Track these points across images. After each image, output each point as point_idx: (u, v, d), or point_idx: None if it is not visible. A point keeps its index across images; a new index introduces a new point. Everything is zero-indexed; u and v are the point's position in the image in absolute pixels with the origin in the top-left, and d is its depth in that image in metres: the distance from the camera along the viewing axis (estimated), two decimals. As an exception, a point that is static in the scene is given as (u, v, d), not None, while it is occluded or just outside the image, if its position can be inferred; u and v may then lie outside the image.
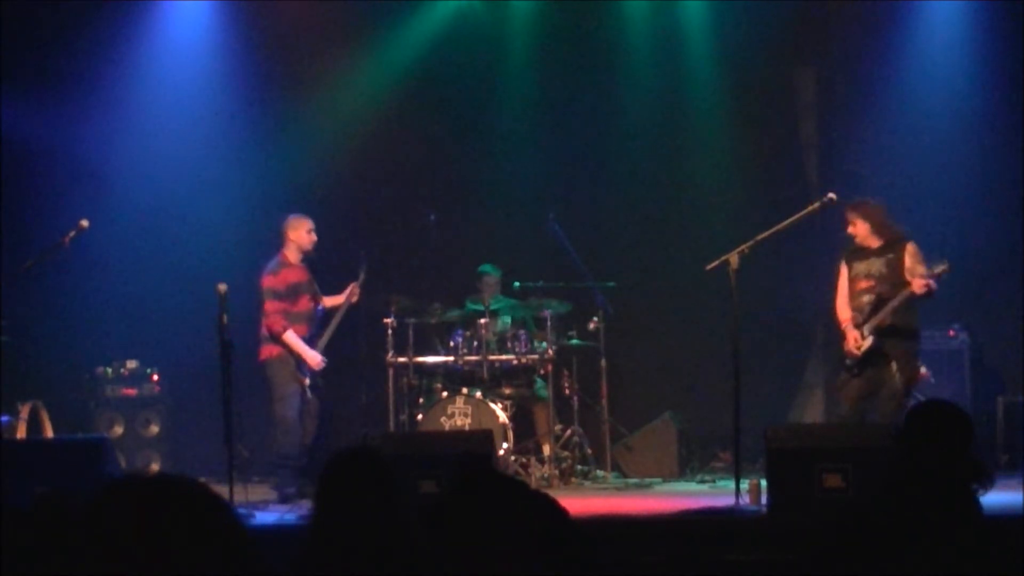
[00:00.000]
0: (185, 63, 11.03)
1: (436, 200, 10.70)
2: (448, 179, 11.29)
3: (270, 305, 8.82)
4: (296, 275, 8.97)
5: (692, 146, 11.21)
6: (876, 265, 8.25)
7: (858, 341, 8.16)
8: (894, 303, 8.11)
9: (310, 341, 8.93)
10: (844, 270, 8.43)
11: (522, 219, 10.77)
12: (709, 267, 8.06)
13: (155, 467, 10.26)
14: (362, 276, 9.36)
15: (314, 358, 8.89)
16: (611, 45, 11.23)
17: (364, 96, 11.21)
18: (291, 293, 8.91)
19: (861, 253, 8.33)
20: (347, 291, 9.27)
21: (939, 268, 8.08)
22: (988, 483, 3.62)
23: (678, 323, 10.90)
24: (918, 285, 8.06)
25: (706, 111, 11.15)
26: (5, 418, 8.58)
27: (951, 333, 10.04)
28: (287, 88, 11.18)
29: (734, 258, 7.90)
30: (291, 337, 8.83)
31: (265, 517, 7.68)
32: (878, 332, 8.14)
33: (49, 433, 8.96)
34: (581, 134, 11.24)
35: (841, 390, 8.44)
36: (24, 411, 8.92)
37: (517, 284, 10.20)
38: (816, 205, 8.19)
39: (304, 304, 8.97)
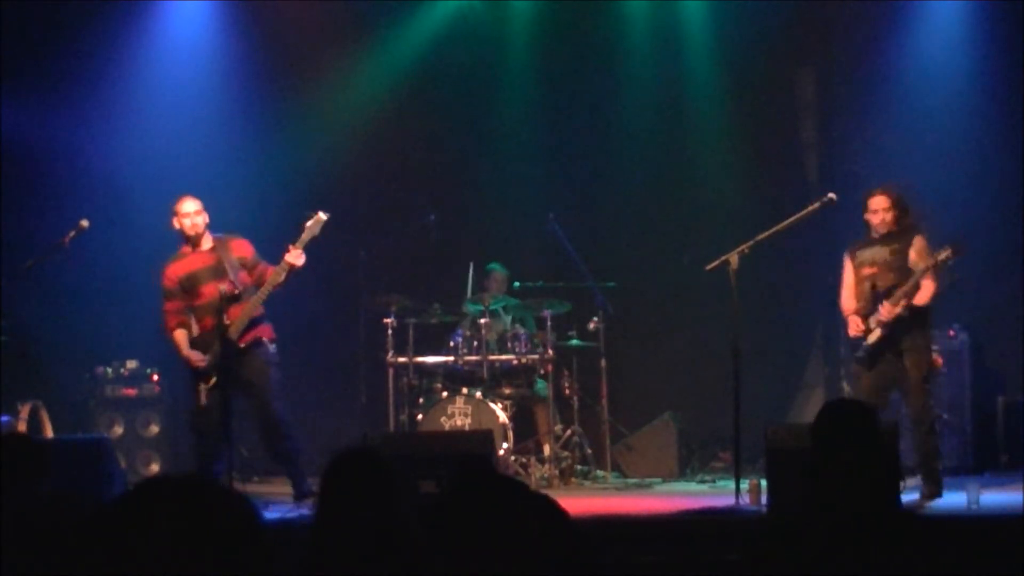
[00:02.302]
0: (185, 63, 11.04)
1: (436, 200, 10.70)
2: (448, 179, 11.30)
3: (163, 304, 8.29)
4: (188, 265, 8.25)
5: (692, 146, 11.21)
6: (881, 253, 8.07)
7: (859, 326, 7.98)
8: (906, 288, 7.88)
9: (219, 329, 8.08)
10: (848, 262, 8.25)
11: (522, 219, 10.78)
12: (709, 267, 8.06)
13: (155, 467, 10.27)
14: (305, 235, 8.10)
15: (191, 358, 8.17)
16: (611, 45, 11.24)
17: (364, 96, 11.22)
18: (185, 287, 8.23)
19: (866, 243, 8.18)
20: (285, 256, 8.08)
21: (941, 255, 7.82)
22: (900, 480, 3.66)
23: (678, 323, 10.90)
24: (921, 299, 7.89)
25: (706, 111, 11.16)
26: (5, 418, 8.57)
27: (951, 333, 10.03)
28: (287, 88, 11.18)
29: (734, 258, 7.89)
30: (176, 337, 8.22)
31: (266, 516, 7.67)
32: (887, 325, 7.96)
33: (49, 433, 8.96)
34: (581, 134, 11.25)
35: (854, 384, 8.30)
36: (24, 411, 8.91)
37: (517, 284, 10.21)
38: (816, 205, 8.17)
39: (207, 293, 8.14)
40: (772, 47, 10.85)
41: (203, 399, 8.12)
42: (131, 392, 10.41)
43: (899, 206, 8.05)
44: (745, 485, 7.68)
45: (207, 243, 8.31)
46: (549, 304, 9.80)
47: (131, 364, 10.46)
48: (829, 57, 11.10)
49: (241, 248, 8.36)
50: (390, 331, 9.61)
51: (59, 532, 3.38)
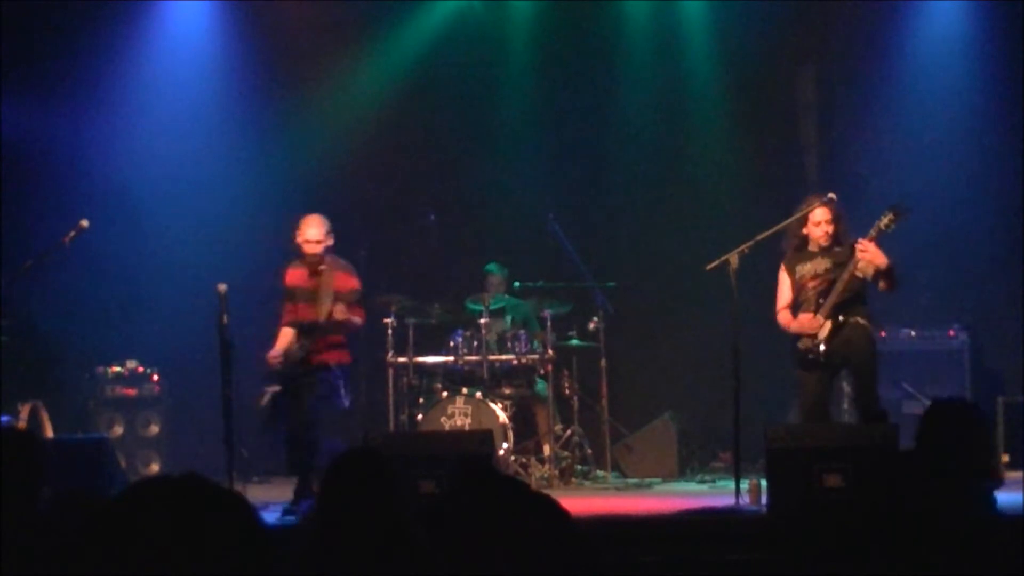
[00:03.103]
0: (185, 63, 11.04)
1: (436, 200, 10.70)
2: (448, 179, 11.30)
3: (281, 300, 8.53)
4: (297, 279, 8.46)
5: (692, 146, 11.22)
6: (823, 264, 7.96)
7: (816, 320, 7.82)
8: (844, 277, 7.75)
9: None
10: (786, 276, 8.11)
11: (522, 219, 10.78)
12: (709, 267, 8.04)
13: (155, 467, 10.27)
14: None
15: (269, 356, 8.33)
16: (611, 45, 11.24)
17: (364, 96, 11.22)
18: (290, 295, 8.48)
19: (805, 255, 8.05)
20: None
21: (884, 220, 7.69)
22: (999, 481, 3.66)
23: (678, 323, 10.90)
24: (862, 249, 7.68)
25: (706, 111, 11.16)
26: (5, 418, 8.57)
27: (951, 333, 10.03)
28: (287, 88, 11.18)
29: (734, 258, 7.88)
30: (280, 332, 8.46)
31: (265, 517, 7.66)
32: (834, 312, 7.83)
33: (49, 433, 8.96)
34: (581, 134, 11.25)
35: (801, 393, 8.07)
36: (24, 411, 8.91)
37: (517, 284, 10.21)
38: (816, 205, 8.16)
39: (301, 314, 8.37)
40: (772, 47, 10.85)
41: (264, 399, 8.28)
42: (131, 392, 10.41)
43: (838, 219, 8.00)
44: (745, 485, 7.68)
45: (321, 265, 8.39)
46: (549, 304, 9.80)
47: (131, 364, 10.47)
48: (829, 57, 11.09)
49: (343, 282, 8.38)
50: (390, 331, 9.61)
51: (60, 533, 3.38)
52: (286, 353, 8.33)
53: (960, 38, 10.64)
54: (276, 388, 8.32)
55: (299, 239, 8.39)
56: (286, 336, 8.44)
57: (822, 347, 7.85)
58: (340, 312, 8.17)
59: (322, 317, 8.27)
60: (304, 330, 8.32)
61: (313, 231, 8.35)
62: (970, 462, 3.57)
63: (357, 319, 8.34)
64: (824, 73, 11.15)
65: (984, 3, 10.61)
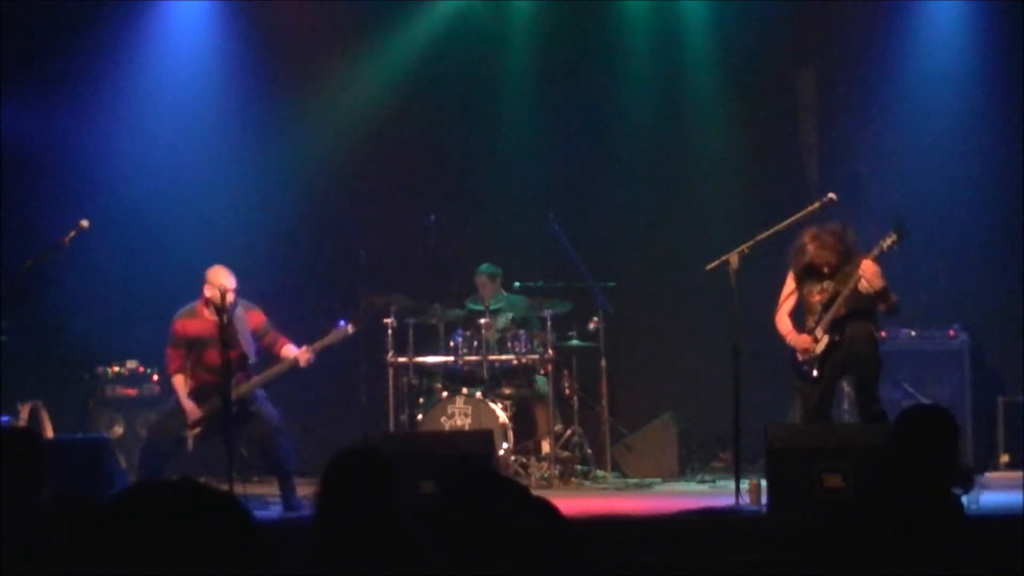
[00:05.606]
0: (185, 63, 11.04)
1: (436, 200, 10.70)
2: (448, 179, 11.30)
3: (167, 347, 8.42)
4: (199, 328, 8.29)
5: (692, 146, 11.21)
6: (831, 284, 7.96)
7: (808, 342, 7.88)
8: (845, 292, 7.80)
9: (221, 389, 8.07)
10: (792, 283, 8.10)
11: (522, 219, 10.77)
12: (709, 267, 8.05)
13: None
14: (325, 341, 8.50)
15: (186, 408, 8.32)
16: (611, 45, 11.24)
17: (364, 96, 11.22)
18: (190, 344, 8.32)
19: (813, 271, 8.03)
20: (301, 351, 8.42)
21: (887, 240, 7.74)
22: (969, 487, 3.67)
23: (678, 323, 10.90)
24: (868, 273, 7.72)
25: (706, 111, 11.15)
26: (5, 418, 8.57)
27: (951, 333, 10.02)
28: (287, 88, 11.18)
29: (734, 258, 7.88)
30: (175, 382, 8.38)
31: (266, 516, 7.67)
32: (833, 326, 7.87)
33: (49, 433, 8.96)
34: (581, 134, 11.24)
35: (803, 402, 8.13)
36: (24, 411, 8.91)
37: (517, 284, 10.20)
38: (816, 205, 8.16)
39: (209, 360, 8.23)
40: (772, 47, 10.84)
41: (190, 446, 8.36)
42: (131, 392, 10.41)
43: (839, 242, 7.89)
44: (745, 485, 7.68)
45: (236, 309, 8.30)
46: (549, 304, 9.80)
47: (131, 364, 10.46)
48: (829, 57, 11.09)
49: (255, 319, 8.43)
50: (390, 331, 9.61)
51: (59, 533, 3.38)
52: (197, 396, 8.32)
53: (960, 38, 10.63)
54: (197, 431, 8.32)
55: (211, 289, 8.17)
56: (182, 380, 8.37)
57: (815, 370, 7.89)
58: (306, 358, 8.35)
59: (252, 358, 8.32)
60: (225, 371, 7.88)
61: (231, 280, 8.25)
62: (939, 467, 3.60)
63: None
64: (824, 73, 11.14)
65: (984, 3, 10.60)
